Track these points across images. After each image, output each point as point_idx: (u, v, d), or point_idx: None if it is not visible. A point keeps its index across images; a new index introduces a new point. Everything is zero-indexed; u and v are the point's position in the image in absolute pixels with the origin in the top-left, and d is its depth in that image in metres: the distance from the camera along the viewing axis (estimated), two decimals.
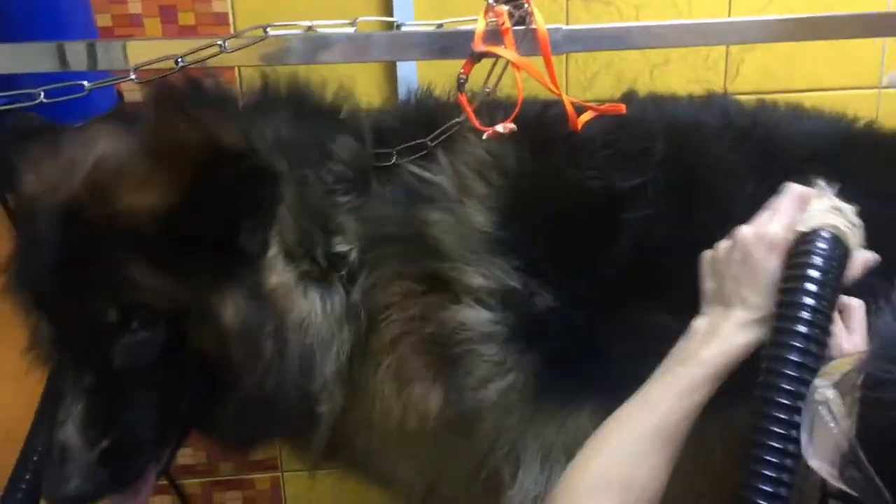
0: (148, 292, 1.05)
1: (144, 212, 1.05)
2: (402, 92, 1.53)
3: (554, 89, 1.14)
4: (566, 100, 1.15)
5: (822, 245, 0.96)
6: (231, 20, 1.57)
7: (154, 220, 1.05)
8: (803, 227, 1.00)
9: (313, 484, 1.88)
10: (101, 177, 1.09)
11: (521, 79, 1.11)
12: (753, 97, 1.38)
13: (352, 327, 1.18)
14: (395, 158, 1.20)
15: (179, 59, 1.10)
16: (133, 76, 1.11)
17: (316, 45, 1.14)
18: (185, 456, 1.85)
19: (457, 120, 1.18)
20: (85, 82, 1.11)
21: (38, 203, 1.13)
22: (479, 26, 1.12)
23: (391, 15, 1.52)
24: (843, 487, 0.76)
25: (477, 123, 1.14)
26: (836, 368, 0.84)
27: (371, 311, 1.17)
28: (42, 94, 1.11)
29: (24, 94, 1.11)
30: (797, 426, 0.88)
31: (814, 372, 0.90)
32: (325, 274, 1.18)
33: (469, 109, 1.14)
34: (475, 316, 1.15)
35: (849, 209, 1.02)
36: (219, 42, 1.10)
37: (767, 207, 1.07)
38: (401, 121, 1.25)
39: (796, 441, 0.89)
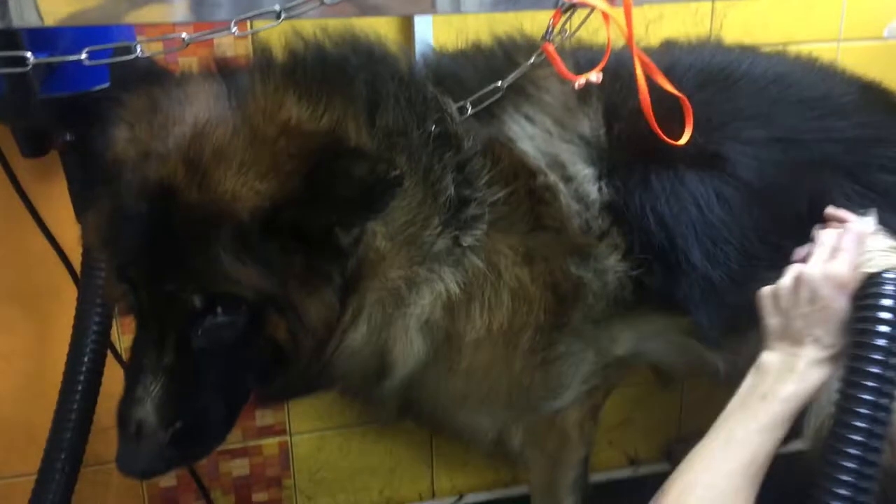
0: (236, 283, 1.05)
1: (246, 202, 1.03)
2: (418, 49, 1.55)
3: (631, 43, 1.19)
4: (636, 51, 1.20)
5: (891, 287, 1.04)
6: None
7: (255, 212, 1.03)
8: (870, 269, 1.07)
9: (322, 444, 1.90)
10: (202, 155, 1.05)
11: (609, 27, 1.17)
12: None
13: (456, 276, 1.20)
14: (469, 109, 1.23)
15: (281, 11, 1.07)
16: (234, 29, 1.07)
17: None
18: None
19: (529, 62, 1.22)
20: (184, 34, 1.06)
21: (130, 169, 1.09)
22: None
23: None
24: None
25: (566, 72, 1.19)
26: None
27: (487, 255, 1.21)
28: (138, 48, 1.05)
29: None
30: (875, 465, 0.96)
31: (890, 413, 0.98)
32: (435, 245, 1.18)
33: (558, 59, 1.18)
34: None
35: None
36: None
37: (823, 243, 1.14)
38: (473, 70, 1.27)
39: (872, 478, 0.97)
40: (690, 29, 1.77)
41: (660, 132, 1.19)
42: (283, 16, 1.09)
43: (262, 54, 1.20)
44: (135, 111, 1.12)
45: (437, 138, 1.19)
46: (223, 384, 1.11)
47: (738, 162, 1.26)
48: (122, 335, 1.64)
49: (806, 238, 1.21)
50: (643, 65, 1.19)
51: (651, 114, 1.19)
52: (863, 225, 1.15)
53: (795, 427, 1.11)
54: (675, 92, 1.20)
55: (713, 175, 1.25)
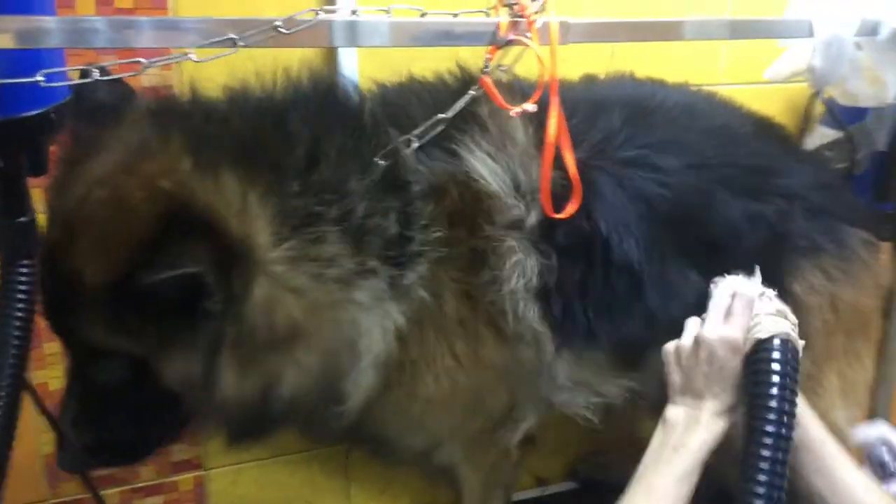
0: (103, 342, 1.14)
1: (99, 271, 1.09)
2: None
3: (553, 76, 1.28)
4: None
5: (778, 354, 1.17)
6: (169, 2, 1.53)
7: (107, 281, 1.08)
8: (759, 333, 1.20)
9: (238, 478, 1.87)
10: (77, 220, 1.12)
11: (542, 65, 1.26)
12: None
13: (401, 310, 1.26)
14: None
15: (237, 40, 1.10)
16: (192, 56, 1.09)
17: (373, 29, 1.19)
18: None
19: (469, 95, 1.29)
20: (192, 55, 1.09)
21: (48, 219, 1.19)
22: (503, 17, 1.26)
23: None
24: None
25: (504, 103, 1.27)
26: None
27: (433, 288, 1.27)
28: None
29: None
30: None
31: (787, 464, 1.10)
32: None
33: (495, 91, 1.27)
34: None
35: (787, 310, 1.25)
36: (277, 23, 1.12)
37: (717, 306, 1.26)
38: (418, 103, 1.34)
39: None
40: (591, 67, 1.90)
41: (548, 207, 1.28)
42: (238, 44, 1.11)
43: (177, 105, 1.26)
44: (64, 155, 1.19)
45: (382, 180, 1.25)
46: (131, 412, 1.22)
47: (657, 192, 1.38)
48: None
49: (713, 267, 1.35)
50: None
51: (547, 178, 1.27)
52: (751, 289, 1.27)
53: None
54: (572, 169, 1.29)
55: (639, 205, 1.36)
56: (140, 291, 1.05)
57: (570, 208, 1.28)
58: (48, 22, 1.06)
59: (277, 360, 1.19)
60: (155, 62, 1.09)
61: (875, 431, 1.41)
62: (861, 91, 1.61)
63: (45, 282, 1.20)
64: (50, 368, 1.63)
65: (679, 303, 1.39)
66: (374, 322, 1.25)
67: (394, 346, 1.27)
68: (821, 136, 1.96)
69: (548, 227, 1.31)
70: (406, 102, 1.33)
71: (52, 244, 1.16)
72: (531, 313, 1.34)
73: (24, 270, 1.34)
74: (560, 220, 1.29)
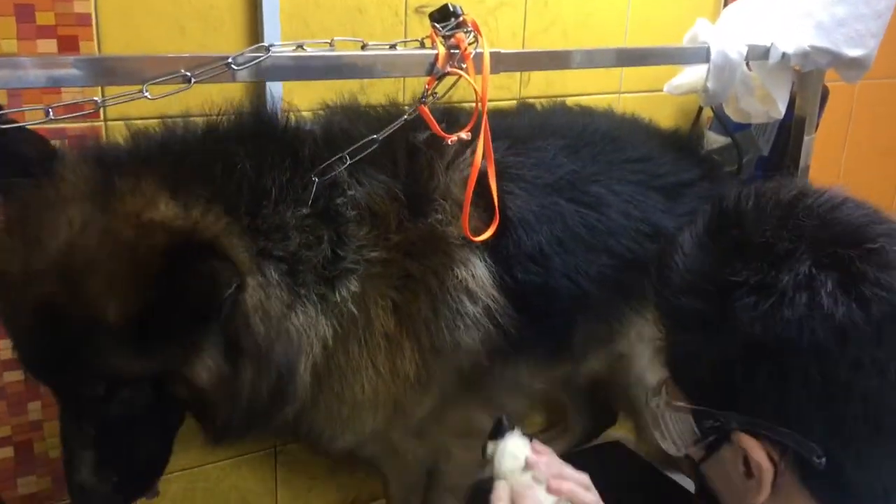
0: (127, 371, 1.18)
1: (117, 308, 1.12)
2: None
3: (481, 103, 1.36)
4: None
5: None
6: (94, 21, 1.51)
7: (126, 316, 1.12)
8: None
9: (166, 489, 1.87)
10: (74, 269, 1.13)
11: (477, 94, 1.34)
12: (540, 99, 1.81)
13: (331, 323, 1.33)
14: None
15: (191, 77, 1.13)
16: (146, 93, 1.11)
17: (319, 63, 1.23)
18: (29, 484, 1.72)
19: (402, 118, 1.35)
20: (147, 93, 1.11)
21: (12, 286, 1.16)
22: (441, 49, 1.32)
23: (256, 27, 1.62)
24: None
25: (440, 131, 1.34)
26: None
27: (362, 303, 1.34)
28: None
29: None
30: None
31: None
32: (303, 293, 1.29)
33: (432, 120, 1.33)
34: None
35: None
36: (229, 59, 1.15)
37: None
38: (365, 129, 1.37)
39: None
40: (504, 81, 2.00)
41: (466, 226, 1.35)
42: (192, 80, 1.14)
43: (133, 142, 1.27)
44: (10, 218, 1.17)
45: (316, 205, 1.30)
46: (149, 435, 1.26)
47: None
48: None
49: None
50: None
51: (469, 200, 1.34)
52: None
53: None
54: (494, 192, 1.37)
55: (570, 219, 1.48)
56: (165, 315, 1.11)
57: (488, 232, 1.37)
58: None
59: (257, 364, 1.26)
60: (109, 101, 1.09)
61: None
62: (753, 108, 1.77)
63: (34, 340, 1.19)
64: None
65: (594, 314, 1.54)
66: (310, 334, 1.32)
67: (322, 355, 1.34)
68: (710, 141, 2.14)
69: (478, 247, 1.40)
70: (351, 126, 1.38)
71: (41, 301, 1.14)
72: (462, 327, 1.42)
73: None
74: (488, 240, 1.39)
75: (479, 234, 1.36)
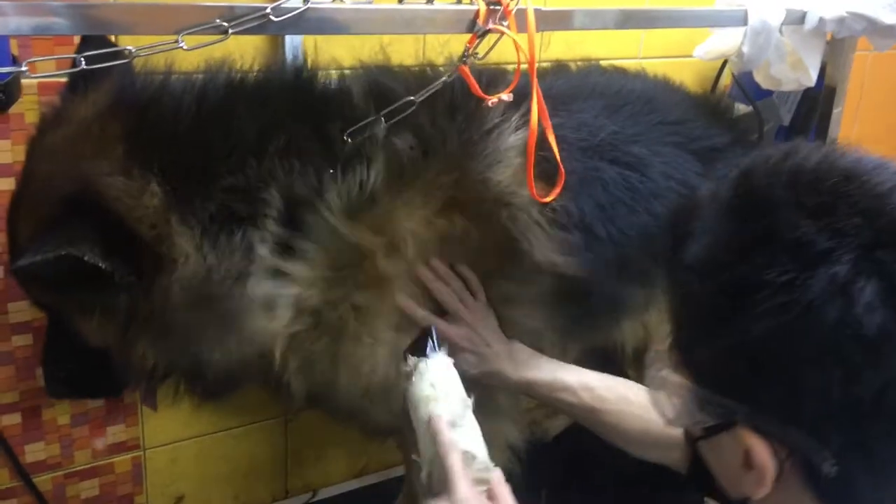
0: (37, 297, 1.32)
1: (21, 239, 1.22)
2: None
3: (530, 64, 1.31)
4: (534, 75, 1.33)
5: None
6: None
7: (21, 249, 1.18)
8: None
9: (177, 455, 1.85)
10: (21, 187, 1.25)
11: (522, 53, 1.28)
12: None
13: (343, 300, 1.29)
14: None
15: (228, 28, 1.06)
16: (182, 44, 1.05)
17: (358, 16, 1.17)
18: (37, 451, 1.67)
19: (443, 79, 1.29)
20: (183, 44, 1.04)
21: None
22: (482, 6, 1.26)
23: None
24: None
25: (481, 92, 1.29)
26: None
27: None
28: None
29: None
30: None
31: None
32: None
33: (472, 79, 1.28)
34: None
35: None
36: (268, 9, 1.09)
37: None
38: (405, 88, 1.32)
39: None
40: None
41: (532, 187, 1.31)
42: (230, 31, 1.08)
43: (160, 88, 1.24)
44: (39, 121, 1.29)
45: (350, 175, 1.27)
46: (82, 356, 1.32)
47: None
48: None
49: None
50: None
51: (532, 160, 1.30)
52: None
53: None
54: (556, 151, 1.32)
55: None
56: (39, 261, 1.12)
57: (555, 192, 1.32)
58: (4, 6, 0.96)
59: (191, 338, 1.25)
60: (143, 51, 1.03)
61: None
62: (784, 75, 1.73)
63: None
64: None
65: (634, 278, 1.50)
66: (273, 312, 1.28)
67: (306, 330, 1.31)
68: None
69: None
70: (393, 86, 1.32)
71: (9, 207, 1.26)
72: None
73: None
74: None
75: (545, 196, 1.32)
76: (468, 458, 1.00)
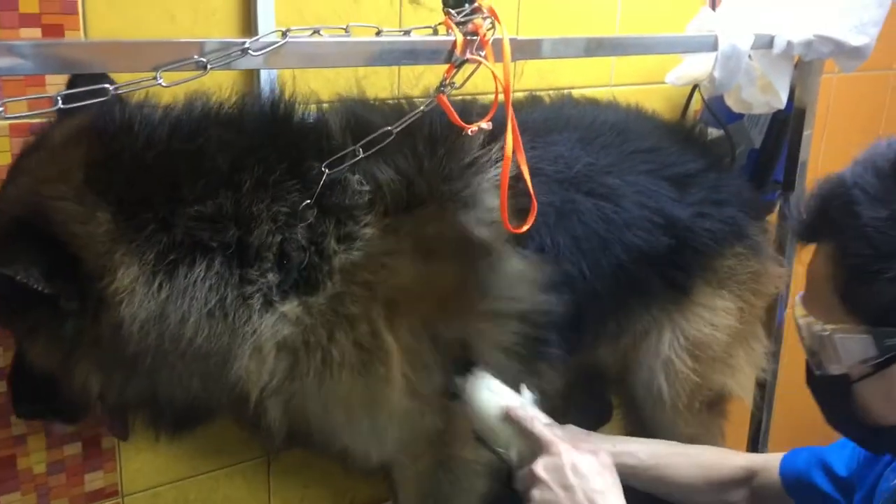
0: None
1: None
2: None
3: (506, 93, 1.31)
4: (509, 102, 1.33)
5: None
6: (80, 9, 1.43)
7: None
8: None
9: (156, 502, 1.80)
10: None
11: (498, 82, 1.29)
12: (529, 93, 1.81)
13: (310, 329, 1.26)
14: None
15: (207, 63, 1.06)
16: (160, 80, 1.04)
17: (337, 49, 1.17)
18: (14, 502, 1.62)
19: (420, 109, 1.29)
20: (161, 80, 1.04)
21: None
22: (458, 36, 1.27)
23: (249, 15, 1.55)
24: None
25: (458, 120, 1.29)
26: None
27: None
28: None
29: None
30: None
31: None
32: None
33: (450, 108, 1.28)
34: None
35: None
36: (247, 43, 1.08)
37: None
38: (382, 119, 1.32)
39: None
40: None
41: (505, 217, 1.31)
42: (209, 67, 1.07)
43: (134, 115, 1.22)
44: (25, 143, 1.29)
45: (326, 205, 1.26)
46: (36, 378, 1.28)
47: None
48: None
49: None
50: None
51: (505, 194, 1.30)
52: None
53: None
54: (528, 180, 1.33)
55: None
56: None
57: (528, 223, 1.32)
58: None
59: (144, 374, 1.22)
60: (123, 88, 1.02)
61: None
62: (755, 98, 1.75)
63: None
64: None
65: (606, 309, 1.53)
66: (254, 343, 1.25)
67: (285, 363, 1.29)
68: None
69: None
70: (371, 118, 1.33)
71: None
72: None
73: None
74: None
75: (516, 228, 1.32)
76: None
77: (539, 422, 1.29)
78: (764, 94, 1.75)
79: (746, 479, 1.52)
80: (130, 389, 1.24)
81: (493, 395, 1.30)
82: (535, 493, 1.22)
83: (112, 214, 1.15)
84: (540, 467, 1.23)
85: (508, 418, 1.31)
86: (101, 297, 1.15)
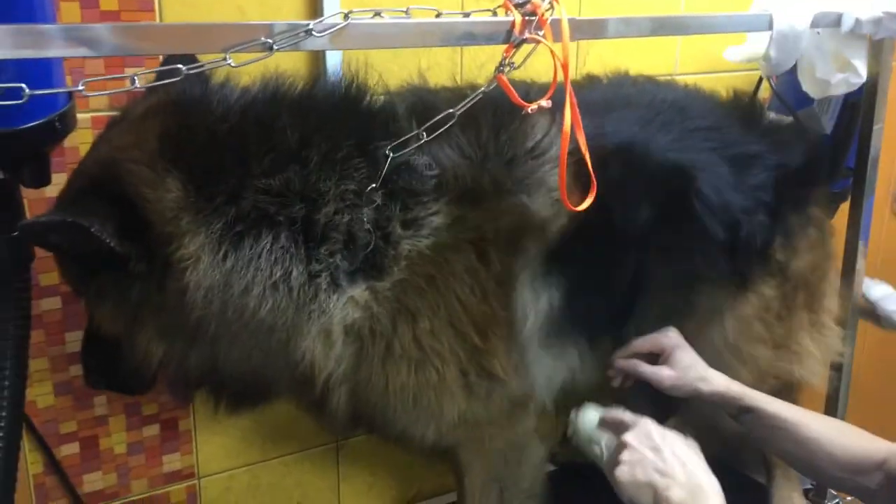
0: (69, 277, 1.36)
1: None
2: None
3: (564, 69, 1.31)
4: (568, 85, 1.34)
5: None
6: (157, 5, 1.50)
7: None
8: None
9: (231, 484, 1.86)
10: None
11: (557, 61, 1.30)
12: None
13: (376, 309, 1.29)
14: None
15: (273, 44, 1.10)
16: (230, 61, 1.08)
17: (397, 30, 1.20)
18: (95, 480, 1.69)
19: (482, 90, 1.31)
20: (230, 61, 1.07)
21: None
22: (517, 17, 1.28)
23: (315, 7, 1.60)
24: None
25: (519, 100, 1.30)
26: None
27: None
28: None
29: None
30: None
31: None
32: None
33: (510, 88, 1.29)
34: None
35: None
36: (311, 25, 1.12)
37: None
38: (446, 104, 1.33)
39: None
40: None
41: (564, 195, 1.31)
42: (275, 48, 1.11)
43: (215, 92, 1.27)
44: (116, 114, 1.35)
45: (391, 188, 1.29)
46: (105, 346, 1.32)
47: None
48: None
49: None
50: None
51: (564, 168, 1.31)
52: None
53: None
54: (588, 162, 1.32)
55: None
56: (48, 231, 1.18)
57: (587, 201, 1.32)
58: (52, 30, 1.00)
59: (206, 343, 1.24)
60: (194, 69, 1.06)
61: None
62: (832, 77, 1.71)
63: None
64: (37, 386, 1.57)
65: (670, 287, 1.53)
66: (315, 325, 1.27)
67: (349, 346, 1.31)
68: None
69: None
70: (435, 102, 1.35)
71: None
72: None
73: (20, 286, 1.31)
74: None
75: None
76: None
77: (627, 412, 1.35)
78: (842, 71, 1.71)
79: (881, 463, 1.42)
80: (192, 358, 1.26)
81: (596, 412, 1.42)
82: (625, 456, 1.24)
83: (182, 183, 1.18)
84: (629, 436, 1.26)
85: (604, 422, 1.39)
86: (167, 262, 1.18)
